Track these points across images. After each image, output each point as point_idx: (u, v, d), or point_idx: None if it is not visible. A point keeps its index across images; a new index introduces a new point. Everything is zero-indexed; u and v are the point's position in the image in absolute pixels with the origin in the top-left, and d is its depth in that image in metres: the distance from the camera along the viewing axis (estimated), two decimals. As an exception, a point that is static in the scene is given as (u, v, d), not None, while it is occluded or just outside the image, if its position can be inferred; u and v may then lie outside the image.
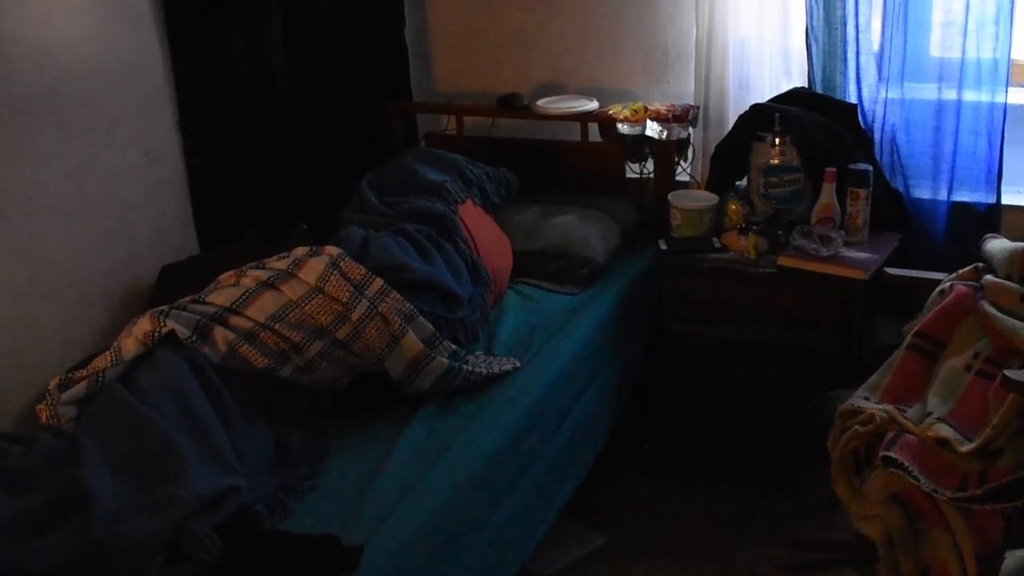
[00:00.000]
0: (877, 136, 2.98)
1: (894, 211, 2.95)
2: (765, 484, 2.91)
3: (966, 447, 2.02)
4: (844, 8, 2.89)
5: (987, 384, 2.11)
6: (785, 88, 3.09)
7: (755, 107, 3.00)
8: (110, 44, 2.66)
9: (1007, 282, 2.28)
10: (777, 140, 2.88)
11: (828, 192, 2.82)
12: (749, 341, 2.87)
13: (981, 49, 2.77)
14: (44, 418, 2.13)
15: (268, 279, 2.34)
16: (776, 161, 2.91)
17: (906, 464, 2.01)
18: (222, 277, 2.42)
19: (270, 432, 2.18)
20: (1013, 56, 2.77)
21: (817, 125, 2.89)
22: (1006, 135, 2.82)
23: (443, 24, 3.68)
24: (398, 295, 2.39)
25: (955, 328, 2.28)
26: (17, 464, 1.98)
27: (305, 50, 3.21)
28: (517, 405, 2.36)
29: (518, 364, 2.50)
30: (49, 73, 2.47)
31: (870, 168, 2.83)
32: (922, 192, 2.99)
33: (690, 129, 3.21)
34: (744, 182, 3.09)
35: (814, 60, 3.00)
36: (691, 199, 3.03)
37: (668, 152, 3.19)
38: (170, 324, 2.17)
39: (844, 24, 2.91)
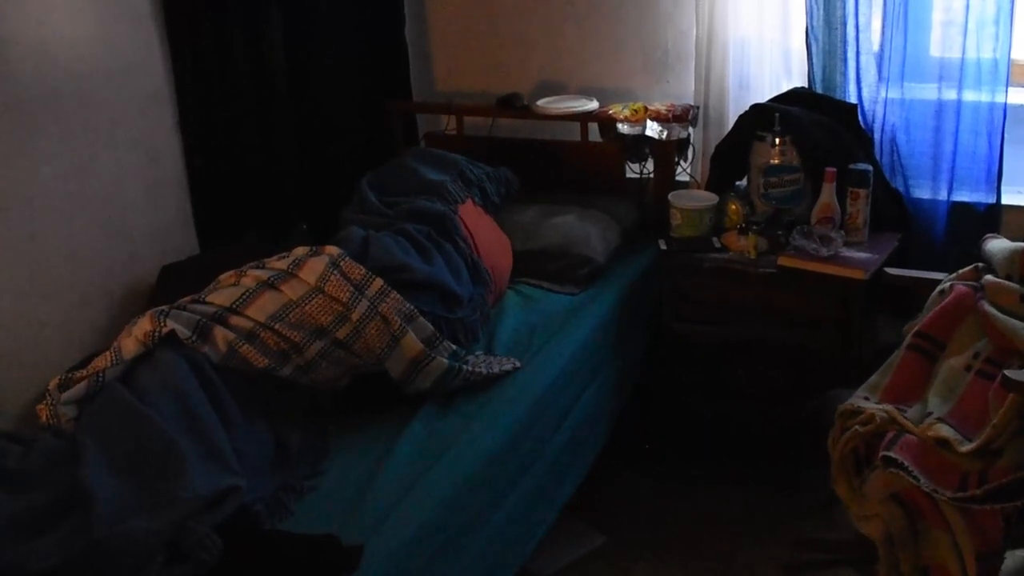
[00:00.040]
0: (877, 136, 2.98)
1: (894, 211, 2.94)
2: (765, 484, 2.91)
3: (966, 447, 2.01)
4: (844, 8, 2.89)
5: (987, 384, 2.11)
6: (785, 88, 3.09)
7: (755, 107, 3.00)
8: (110, 44, 2.66)
9: (1007, 282, 2.28)
10: (777, 140, 2.88)
11: (828, 192, 2.82)
12: (749, 341, 2.88)
13: (981, 49, 2.77)
14: (44, 418, 2.13)
15: (268, 279, 2.34)
16: (776, 161, 2.91)
17: (906, 464, 2.01)
18: (222, 277, 2.42)
19: (270, 432, 2.18)
20: (1013, 56, 2.76)
21: (817, 125, 2.89)
22: (1006, 135, 2.82)
23: (443, 24, 3.68)
24: (398, 295, 2.39)
25: (955, 328, 2.28)
26: (17, 464, 1.98)
27: (305, 50, 3.21)
28: (517, 405, 2.36)
29: (518, 364, 2.50)
30: (49, 73, 2.47)
31: (870, 168, 2.83)
32: (922, 192, 2.98)
33: (690, 129, 3.20)
34: (744, 182, 3.08)
35: (814, 60, 3.00)
36: (691, 199, 3.03)
37: (668, 152, 3.19)
38: (170, 324, 2.17)
39: (844, 24, 2.90)
